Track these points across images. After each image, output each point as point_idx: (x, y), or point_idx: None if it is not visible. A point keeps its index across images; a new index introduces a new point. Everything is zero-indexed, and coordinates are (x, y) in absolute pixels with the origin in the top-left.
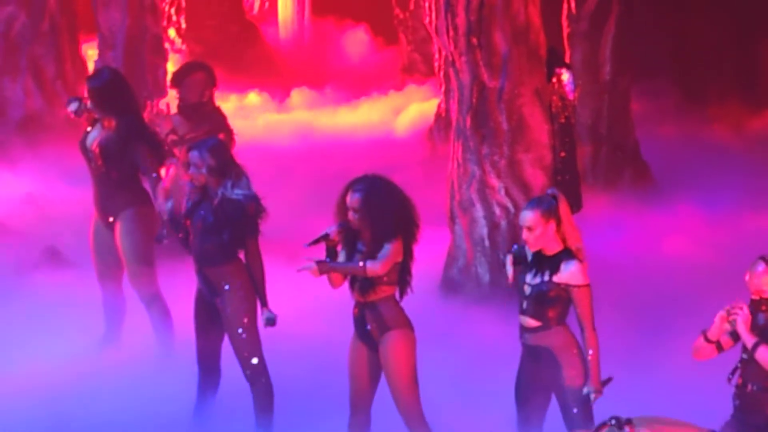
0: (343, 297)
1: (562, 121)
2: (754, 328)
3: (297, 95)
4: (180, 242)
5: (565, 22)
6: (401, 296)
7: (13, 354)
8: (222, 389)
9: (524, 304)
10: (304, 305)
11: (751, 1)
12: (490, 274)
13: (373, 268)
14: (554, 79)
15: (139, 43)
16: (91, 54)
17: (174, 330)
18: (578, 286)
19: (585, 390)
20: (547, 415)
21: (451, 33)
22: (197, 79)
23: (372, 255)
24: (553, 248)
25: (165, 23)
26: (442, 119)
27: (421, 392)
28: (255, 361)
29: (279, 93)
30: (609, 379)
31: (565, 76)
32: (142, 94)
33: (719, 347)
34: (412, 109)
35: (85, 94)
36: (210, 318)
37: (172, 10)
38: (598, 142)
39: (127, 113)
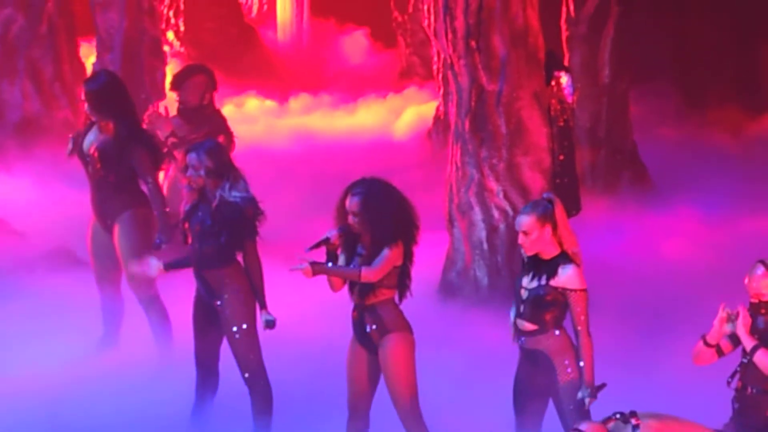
0: (342, 300)
1: (561, 124)
2: (754, 331)
3: (295, 98)
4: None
5: (563, 26)
6: (400, 300)
7: (11, 356)
8: (220, 392)
9: (521, 308)
10: (303, 308)
11: (751, 3)
12: (488, 277)
13: (368, 275)
14: (553, 83)
15: (138, 46)
16: (89, 56)
17: (172, 332)
18: (575, 290)
19: (579, 394)
20: (546, 418)
21: (450, 36)
22: (197, 82)
23: (371, 258)
24: (549, 252)
25: (163, 26)
26: (440, 122)
27: (420, 395)
28: (253, 363)
29: (277, 96)
30: (603, 385)
31: (564, 79)
32: (140, 97)
33: (719, 352)
34: (411, 112)
35: (82, 97)
36: (209, 320)
37: (171, 13)
38: (597, 145)
39: (124, 116)
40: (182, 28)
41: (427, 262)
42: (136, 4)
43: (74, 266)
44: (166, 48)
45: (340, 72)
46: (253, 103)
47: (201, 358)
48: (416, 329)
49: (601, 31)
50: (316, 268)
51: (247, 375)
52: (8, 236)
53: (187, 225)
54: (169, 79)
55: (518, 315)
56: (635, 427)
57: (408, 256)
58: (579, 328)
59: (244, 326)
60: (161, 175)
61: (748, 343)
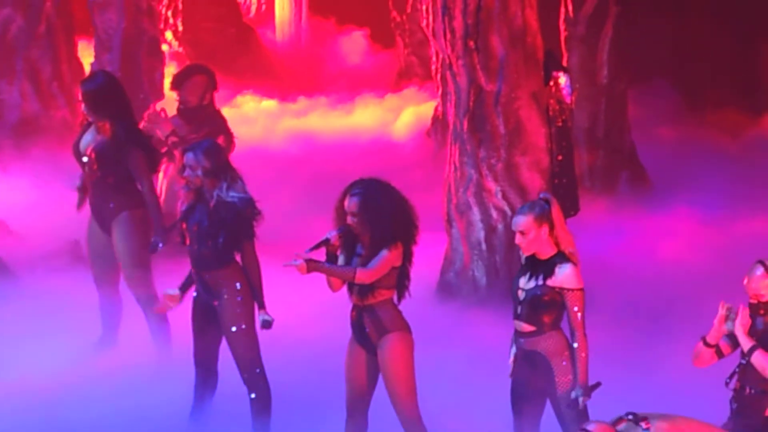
0: (341, 300)
1: (559, 124)
2: (753, 332)
3: (293, 98)
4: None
5: (562, 26)
6: (399, 300)
7: (8, 357)
8: (219, 392)
9: (519, 309)
10: (302, 308)
11: (750, 5)
12: (486, 278)
13: (362, 276)
14: (551, 83)
15: (136, 46)
16: (87, 56)
17: (171, 332)
18: (572, 290)
19: (573, 394)
20: (543, 420)
21: (449, 36)
22: (198, 82)
23: (370, 259)
24: (546, 252)
25: (162, 26)
26: (439, 122)
27: (419, 395)
28: (252, 364)
29: (275, 96)
30: (598, 384)
31: (563, 79)
32: (138, 97)
33: (719, 353)
34: (409, 112)
35: (80, 98)
36: (208, 320)
37: (169, 13)
38: (596, 146)
39: (121, 117)
40: (180, 28)
41: (426, 263)
42: (134, 4)
43: (72, 266)
44: (164, 48)
45: (339, 72)
46: (251, 103)
47: (200, 358)
48: (415, 329)
49: (600, 31)
50: (311, 266)
51: (245, 375)
52: (6, 237)
53: (184, 225)
54: (167, 79)
55: (516, 316)
56: (645, 429)
57: (407, 257)
58: (575, 327)
59: (243, 326)
60: (160, 175)
61: (746, 343)
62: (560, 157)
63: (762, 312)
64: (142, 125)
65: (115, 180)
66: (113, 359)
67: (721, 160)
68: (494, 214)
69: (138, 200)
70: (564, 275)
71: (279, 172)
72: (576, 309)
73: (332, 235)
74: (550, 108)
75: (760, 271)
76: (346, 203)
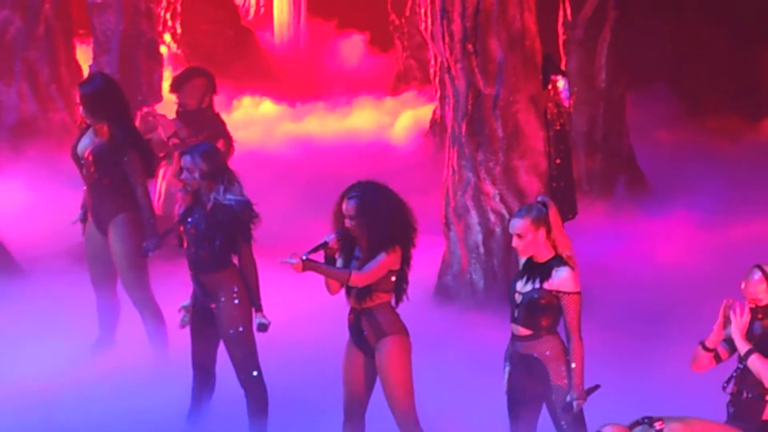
0: (338, 302)
1: (558, 128)
2: (750, 336)
3: (292, 101)
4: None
5: (560, 29)
6: (397, 304)
7: (5, 358)
8: (216, 394)
9: (515, 313)
10: (299, 311)
11: (749, 8)
12: (484, 281)
13: (357, 279)
14: (550, 86)
15: (134, 48)
16: (86, 59)
17: (168, 335)
18: (568, 293)
19: (568, 397)
20: (540, 424)
21: (447, 39)
22: (197, 85)
23: (367, 262)
24: (544, 255)
25: (160, 28)
26: (437, 125)
27: (416, 398)
28: (249, 366)
29: (274, 99)
30: (596, 387)
31: (561, 83)
32: (136, 99)
33: (717, 358)
34: (408, 115)
35: (78, 100)
36: (205, 323)
37: (168, 15)
38: (594, 149)
39: (119, 119)
40: (179, 31)
41: (423, 266)
42: (132, 6)
43: (70, 268)
44: (162, 50)
45: (337, 75)
46: (249, 106)
47: (198, 360)
48: (412, 332)
49: (599, 35)
50: (307, 265)
51: (243, 377)
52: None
53: (182, 228)
54: (166, 81)
55: (513, 320)
56: (659, 430)
57: (406, 261)
58: (571, 331)
59: (240, 329)
60: (159, 177)
61: (743, 347)
62: (558, 161)
63: (760, 316)
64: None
65: (112, 182)
66: (110, 361)
67: (719, 164)
68: (492, 217)
69: (135, 203)
70: (561, 279)
71: (277, 175)
72: (572, 313)
73: (330, 238)
74: (548, 111)
75: (757, 275)
76: (343, 206)
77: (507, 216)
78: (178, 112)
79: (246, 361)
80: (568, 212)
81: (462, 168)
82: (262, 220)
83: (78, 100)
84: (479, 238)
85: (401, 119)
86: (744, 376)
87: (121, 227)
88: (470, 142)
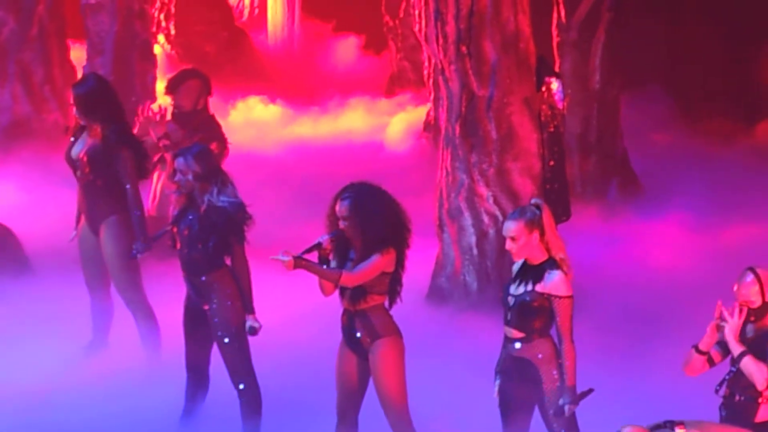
0: (332, 304)
1: (551, 130)
2: (742, 339)
3: (286, 102)
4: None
5: (554, 31)
6: (390, 306)
7: None
8: (210, 395)
9: (508, 315)
10: (292, 312)
11: (744, 10)
12: (478, 283)
13: (347, 279)
14: (543, 88)
15: (128, 49)
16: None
17: (160, 336)
18: (560, 297)
19: (560, 401)
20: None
21: (441, 41)
22: (192, 87)
23: (359, 263)
24: (537, 258)
25: (154, 29)
26: (431, 127)
27: (410, 400)
28: (242, 368)
29: (267, 99)
30: (589, 391)
31: (555, 85)
32: (130, 100)
33: (710, 361)
34: (401, 116)
35: (71, 101)
36: (199, 324)
37: (162, 16)
38: (588, 151)
39: (113, 120)
40: (173, 32)
41: (417, 267)
42: (126, 7)
43: (63, 270)
44: (156, 51)
45: (331, 76)
46: (243, 107)
47: (191, 361)
48: (406, 334)
49: (592, 37)
50: (298, 263)
51: (236, 379)
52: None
53: (175, 229)
54: (160, 82)
55: (505, 323)
56: None
57: (400, 263)
58: (562, 334)
59: (233, 330)
60: (154, 179)
61: (736, 349)
62: (552, 163)
63: (752, 318)
64: (136, 128)
65: (106, 183)
66: (104, 362)
67: (713, 167)
68: (486, 219)
69: (127, 204)
70: (553, 282)
71: (270, 177)
72: (564, 316)
73: (324, 239)
74: (542, 113)
75: (749, 277)
76: (337, 207)
77: (500, 218)
78: (173, 114)
79: (239, 362)
80: (561, 214)
81: (456, 170)
82: (256, 221)
83: (71, 101)
84: (473, 239)
85: (395, 121)
86: (736, 378)
87: (114, 228)
88: (464, 144)
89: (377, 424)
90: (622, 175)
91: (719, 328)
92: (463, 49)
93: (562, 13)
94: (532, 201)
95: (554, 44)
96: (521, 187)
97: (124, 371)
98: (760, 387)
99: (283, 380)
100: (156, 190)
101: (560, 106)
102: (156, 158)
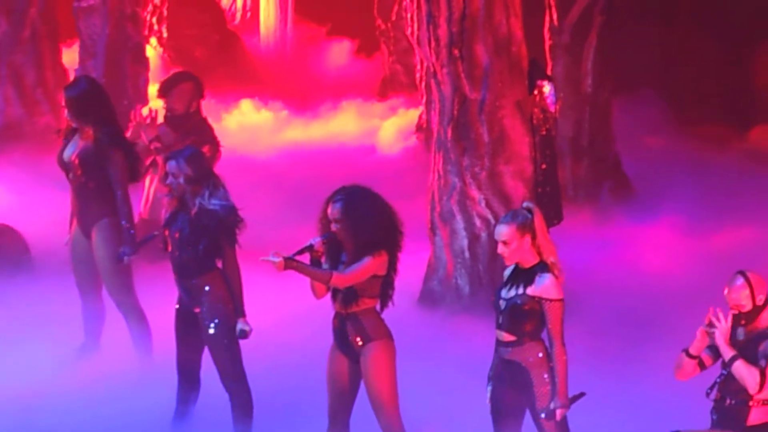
0: (323, 307)
1: (543, 133)
2: (733, 342)
3: (278, 105)
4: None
5: (547, 35)
6: (382, 309)
7: None
8: (201, 398)
9: (500, 319)
10: (283, 315)
11: (737, 14)
12: (470, 286)
13: (338, 280)
14: (536, 92)
15: (120, 52)
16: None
17: (152, 339)
18: (551, 300)
19: (552, 405)
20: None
21: (433, 44)
22: (184, 90)
23: (350, 265)
24: (529, 261)
25: (146, 32)
26: (423, 130)
27: (401, 403)
28: (234, 370)
29: (260, 102)
30: (581, 394)
31: (547, 88)
32: (122, 103)
33: (701, 365)
34: (393, 120)
35: (63, 103)
36: (190, 327)
37: (154, 19)
38: (580, 155)
39: (105, 123)
40: (165, 35)
41: (409, 271)
42: (119, 10)
43: (55, 273)
44: (149, 54)
45: (323, 79)
46: (234, 110)
47: (183, 365)
48: (397, 337)
49: (585, 40)
50: (288, 263)
51: (227, 382)
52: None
53: (167, 232)
54: (152, 85)
55: (497, 326)
56: None
57: (392, 267)
58: (553, 338)
59: (224, 333)
60: (146, 182)
61: (727, 353)
62: (544, 166)
63: (743, 322)
64: (128, 131)
65: (98, 186)
66: (95, 365)
67: (705, 171)
68: (478, 222)
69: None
70: (543, 285)
71: (262, 179)
72: (554, 320)
73: (316, 241)
74: (534, 117)
75: (740, 281)
76: (329, 210)
77: (492, 221)
78: (165, 117)
79: (230, 365)
80: (553, 218)
81: (448, 173)
82: (248, 224)
83: (63, 104)
84: (465, 243)
85: (387, 124)
86: (727, 382)
87: (105, 231)
88: (456, 147)
89: (368, 427)
90: (614, 179)
91: (709, 334)
92: (456, 52)
93: (555, 17)
94: (524, 204)
95: (546, 47)
96: (513, 191)
97: (116, 374)
98: (751, 391)
99: (275, 383)
100: (149, 193)
101: (552, 109)
102: (148, 161)
